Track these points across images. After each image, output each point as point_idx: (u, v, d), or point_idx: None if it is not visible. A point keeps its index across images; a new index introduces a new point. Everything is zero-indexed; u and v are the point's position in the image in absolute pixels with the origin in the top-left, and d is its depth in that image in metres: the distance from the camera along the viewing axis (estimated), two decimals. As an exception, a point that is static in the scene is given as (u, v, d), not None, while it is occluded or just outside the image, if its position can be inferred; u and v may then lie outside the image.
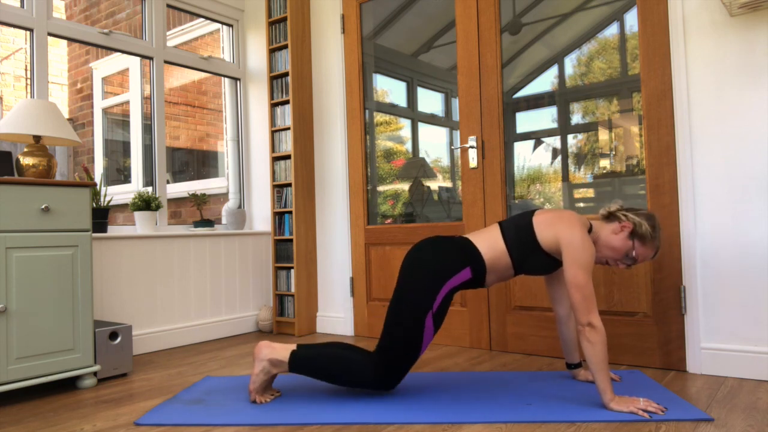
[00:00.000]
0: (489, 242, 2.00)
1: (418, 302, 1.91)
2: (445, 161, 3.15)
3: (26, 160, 2.29)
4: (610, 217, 2.00)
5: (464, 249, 1.98)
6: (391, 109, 3.37)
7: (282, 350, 1.99)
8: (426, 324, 1.91)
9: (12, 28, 3.35)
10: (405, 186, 3.29)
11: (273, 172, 3.53)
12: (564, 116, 2.74)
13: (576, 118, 2.72)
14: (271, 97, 3.54)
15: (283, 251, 3.51)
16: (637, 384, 2.12)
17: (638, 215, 1.95)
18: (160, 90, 3.40)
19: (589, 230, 2.00)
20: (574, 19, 2.70)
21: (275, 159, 3.54)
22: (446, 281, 1.93)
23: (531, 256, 1.98)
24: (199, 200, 3.53)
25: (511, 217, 2.08)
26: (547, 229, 1.95)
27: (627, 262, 1.98)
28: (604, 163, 2.65)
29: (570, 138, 2.73)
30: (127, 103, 4.81)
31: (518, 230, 1.99)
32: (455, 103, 3.07)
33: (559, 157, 2.76)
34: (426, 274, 1.93)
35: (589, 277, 1.84)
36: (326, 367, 1.96)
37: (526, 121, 2.84)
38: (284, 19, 3.50)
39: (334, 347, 2.00)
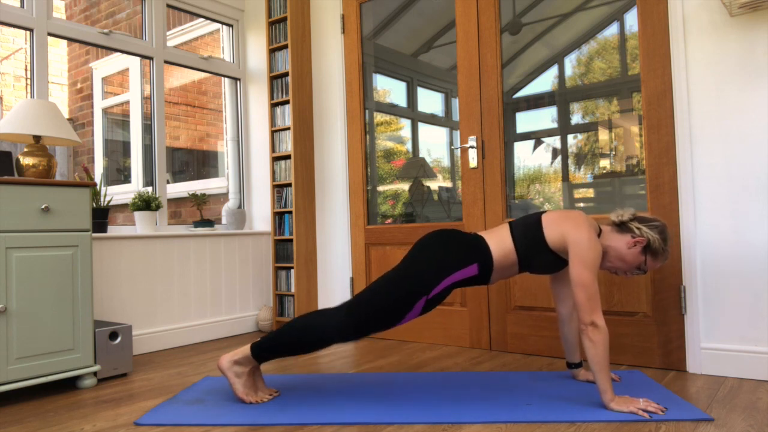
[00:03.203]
0: (498, 240, 2.01)
1: (417, 284, 1.91)
2: (445, 161, 3.15)
3: (26, 160, 2.29)
4: (621, 226, 1.98)
5: (476, 245, 1.99)
6: (391, 109, 3.37)
7: (241, 349, 2.03)
8: (416, 305, 1.91)
9: (12, 28, 3.35)
10: (405, 186, 3.29)
11: (273, 172, 3.53)
12: (564, 116, 2.74)
13: (576, 118, 2.72)
14: (271, 97, 3.54)
15: (283, 251, 3.51)
16: (637, 384, 2.12)
17: (651, 228, 1.93)
18: (160, 90, 3.40)
19: (598, 234, 2.00)
20: (574, 19, 2.70)
21: (275, 159, 3.54)
22: (452, 273, 1.94)
23: (537, 255, 1.98)
24: (199, 200, 3.53)
25: (521, 217, 2.08)
26: (554, 227, 1.95)
27: (636, 273, 2.00)
28: (604, 163, 2.65)
29: (570, 138, 2.73)
30: (127, 103, 4.81)
31: (526, 228, 2.00)
32: (455, 103, 3.07)
33: (559, 157, 2.76)
34: (434, 260, 1.94)
35: (594, 277, 1.84)
36: (290, 339, 1.96)
37: (526, 121, 2.84)
38: (284, 19, 3.50)
39: (290, 322, 2.02)
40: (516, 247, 1.99)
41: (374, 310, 1.91)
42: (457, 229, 2.06)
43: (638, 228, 1.94)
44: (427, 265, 1.93)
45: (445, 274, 1.93)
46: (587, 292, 1.83)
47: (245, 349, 2.01)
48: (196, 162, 5.05)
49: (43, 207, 2.20)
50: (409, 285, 1.91)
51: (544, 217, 2.00)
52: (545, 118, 2.79)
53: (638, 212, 2.02)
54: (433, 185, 3.19)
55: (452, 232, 2.03)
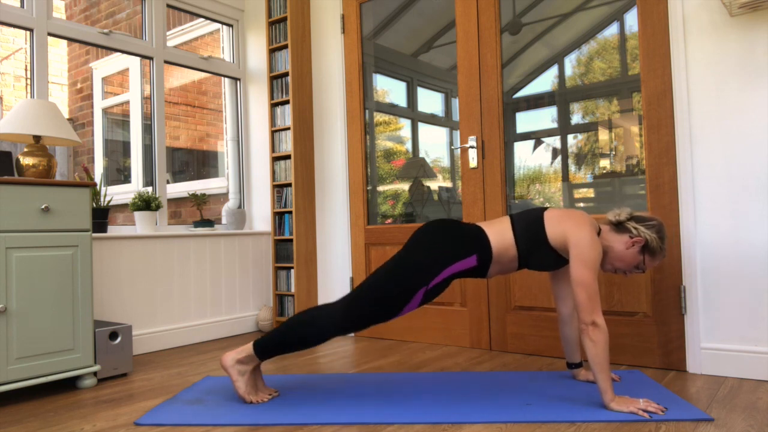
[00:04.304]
0: (498, 233, 2.00)
1: (416, 276, 1.90)
2: (445, 161, 3.15)
3: (26, 160, 2.29)
4: (619, 226, 1.98)
5: (475, 236, 1.98)
6: (391, 109, 3.37)
7: (244, 347, 2.02)
8: (415, 297, 1.91)
9: (12, 28, 3.35)
10: (405, 186, 3.29)
11: (273, 172, 3.53)
12: (564, 116, 2.74)
13: (576, 118, 2.72)
14: (271, 97, 3.54)
15: (283, 251, 3.51)
16: (637, 384, 2.12)
17: (648, 228, 1.93)
18: (160, 90, 3.40)
19: (598, 233, 2.00)
20: (574, 19, 2.70)
21: (275, 159, 3.54)
22: (451, 264, 1.93)
23: (537, 251, 1.98)
24: (199, 200, 3.53)
25: (523, 211, 2.08)
26: (556, 225, 1.95)
27: (635, 272, 2.00)
28: (604, 163, 2.65)
29: (570, 138, 2.73)
30: (127, 103, 4.81)
31: (528, 224, 1.99)
32: (455, 103, 3.07)
33: (559, 157, 2.76)
34: (432, 252, 1.93)
35: (594, 277, 1.84)
36: (292, 335, 1.96)
37: (526, 121, 2.84)
38: (284, 19, 3.50)
39: (291, 318, 2.02)
40: (516, 242, 1.99)
41: (373, 303, 1.91)
42: (457, 220, 2.05)
43: (636, 228, 1.94)
44: (426, 255, 1.93)
45: (444, 265, 1.93)
46: (588, 292, 1.83)
47: (248, 347, 2.01)
48: (196, 162, 5.05)
49: (43, 207, 2.20)
50: (408, 276, 1.90)
51: (546, 214, 2.00)
52: (545, 118, 2.79)
53: (635, 211, 2.03)
54: (433, 185, 3.19)
55: (452, 222, 2.03)
